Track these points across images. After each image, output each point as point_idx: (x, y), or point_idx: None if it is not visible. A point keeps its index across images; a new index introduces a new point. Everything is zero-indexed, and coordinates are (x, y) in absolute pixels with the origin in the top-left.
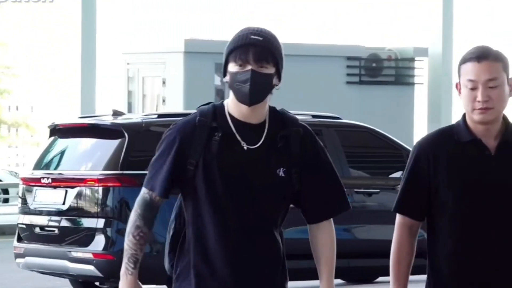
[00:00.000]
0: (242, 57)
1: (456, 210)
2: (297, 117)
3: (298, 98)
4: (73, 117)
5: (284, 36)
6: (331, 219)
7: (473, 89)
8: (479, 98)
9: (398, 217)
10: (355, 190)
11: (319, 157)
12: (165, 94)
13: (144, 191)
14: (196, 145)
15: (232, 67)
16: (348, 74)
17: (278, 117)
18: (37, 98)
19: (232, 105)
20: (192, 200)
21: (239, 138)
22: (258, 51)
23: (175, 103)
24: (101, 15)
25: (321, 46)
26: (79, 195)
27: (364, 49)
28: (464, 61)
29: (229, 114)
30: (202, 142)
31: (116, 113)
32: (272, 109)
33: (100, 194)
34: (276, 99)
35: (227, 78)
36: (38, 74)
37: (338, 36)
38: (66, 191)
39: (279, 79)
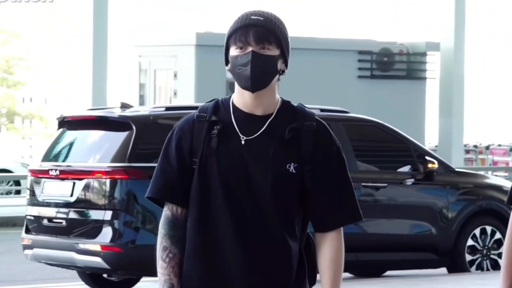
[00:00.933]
0: (242, 39)
1: None
2: None
3: (309, 91)
4: (81, 110)
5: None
6: (341, 229)
7: None
8: None
9: None
10: (363, 184)
11: (333, 158)
12: (177, 87)
13: (164, 210)
14: (197, 142)
15: (233, 51)
16: (359, 68)
17: (291, 110)
18: (51, 91)
19: (236, 95)
20: (190, 202)
21: (237, 130)
22: (258, 31)
23: (187, 96)
24: (113, 7)
25: (333, 40)
26: (86, 187)
27: (376, 43)
28: None
29: (233, 106)
30: (201, 137)
31: (124, 106)
32: (285, 102)
33: (107, 187)
34: (286, 92)
35: (229, 65)
36: (50, 69)
37: (340, 34)
38: (74, 183)
39: (286, 64)
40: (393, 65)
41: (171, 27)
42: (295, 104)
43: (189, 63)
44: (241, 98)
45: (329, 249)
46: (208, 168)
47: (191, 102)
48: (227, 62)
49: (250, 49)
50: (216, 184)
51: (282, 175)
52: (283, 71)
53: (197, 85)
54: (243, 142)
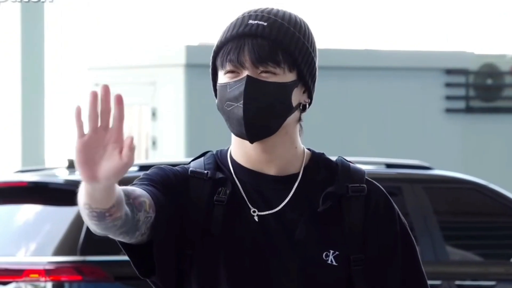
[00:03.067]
0: (233, 58)
1: None
2: (363, 167)
3: (367, 134)
4: (6, 172)
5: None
6: None
7: None
8: None
9: None
10: (457, 283)
11: (398, 239)
12: (156, 132)
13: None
14: (193, 208)
15: (221, 77)
16: (448, 98)
17: (326, 167)
18: None
19: (235, 146)
20: None
21: (245, 199)
22: (258, 44)
23: (173, 145)
24: (53, 14)
25: (404, 54)
26: None
27: (473, 57)
28: None
29: (233, 162)
30: (202, 203)
31: (74, 165)
32: (316, 155)
33: None
34: (331, 136)
35: (217, 99)
36: None
37: (409, 45)
38: None
39: (309, 94)
40: (502, 92)
41: (145, 38)
42: (333, 158)
43: (176, 94)
44: (241, 151)
45: None
46: (211, 258)
47: (179, 155)
48: (216, 93)
49: (245, 73)
50: (222, 281)
51: (317, 270)
52: (305, 106)
53: (188, 128)
54: (256, 219)
